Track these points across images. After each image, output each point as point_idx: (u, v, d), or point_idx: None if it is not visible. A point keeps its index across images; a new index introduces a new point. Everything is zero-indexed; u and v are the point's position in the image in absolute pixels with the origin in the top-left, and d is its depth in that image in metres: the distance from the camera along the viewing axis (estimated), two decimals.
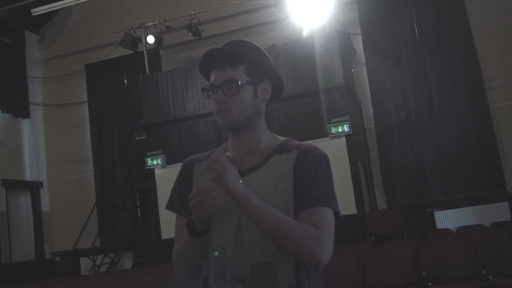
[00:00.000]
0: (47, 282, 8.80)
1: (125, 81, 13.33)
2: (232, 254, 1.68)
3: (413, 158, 10.82)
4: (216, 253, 1.72)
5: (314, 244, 1.60)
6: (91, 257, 11.84)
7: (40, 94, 14.00)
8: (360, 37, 11.58)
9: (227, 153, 1.85)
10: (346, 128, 9.63)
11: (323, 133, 9.74)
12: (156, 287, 6.81)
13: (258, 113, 1.84)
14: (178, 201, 1.89)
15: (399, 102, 11.07)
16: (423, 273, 5.51)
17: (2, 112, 12.58)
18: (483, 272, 5.26)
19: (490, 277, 5.13)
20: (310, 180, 1.69)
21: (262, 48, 1.88)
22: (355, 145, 9.99)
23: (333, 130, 9.68)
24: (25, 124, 13.40)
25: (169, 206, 1.95)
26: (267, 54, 1.89)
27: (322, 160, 1.75)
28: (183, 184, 1.90)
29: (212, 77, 1.80)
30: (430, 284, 5.34)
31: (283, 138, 1.87)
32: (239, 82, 1.76)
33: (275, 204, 1.66)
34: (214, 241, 1.72)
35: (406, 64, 11.14)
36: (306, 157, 1.73)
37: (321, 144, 10.24)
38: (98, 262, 11.72)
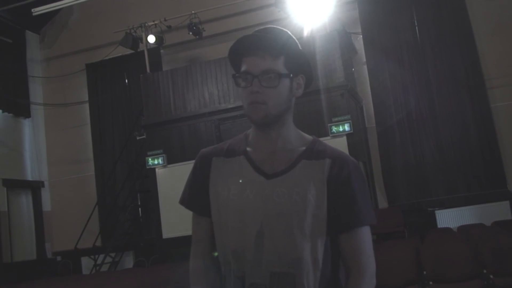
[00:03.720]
0: (48, 282, 8.80)
1: (126, 81, 13.33)
2: (251, 260, 1.61)
3: (414, 157, 10.82)
4: (235, 256, 1.64)
5: (371, 285, 1.61)
6: (92, 256, 11.84)
7: (41, 94, 14.01)
8: (361, 36, 11.58)
9: (248, 149, 1.73)
10: (347, 127, 9.63)
11: (324, 132, 9.73)
12: (157, 287, 6.81)
13: (290, 109, 1.74)
14: (192, 197, 1.78)
15: (400, 101, 11.07)
16: (424, 272, 5.51)
17: (3, 112, 12.59)
18: (484, 271, 5.26)
19: (491, 276, 5.13)
20: (350, 198, 1.61)
21: (296, 39, 1.74)
22: (356, 144, 9.98)
23: (334, 129, 9.68)
24: (26, 123, 13.41)
25: (184, 202, 1.81)
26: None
27: (358, 173, 1.67)
28: (199, 179, 1.77)
29: (247, 65, 1.65)
30: (431, 283, 5.35)
31: (310, 138, 1.77)
32: (280, 74, 1.64)
33: (301, 216, 1.59)
34: (234, 244, 1.64)
35: (406, 63, 11.14)
36: (343, 171, 1.63)
37: None
38: (99, 261, 11.72)
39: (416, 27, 11.18)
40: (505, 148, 10.41)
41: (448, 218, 10.05)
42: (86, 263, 12.19)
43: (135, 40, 11.99)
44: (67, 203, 13.22)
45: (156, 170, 10.79)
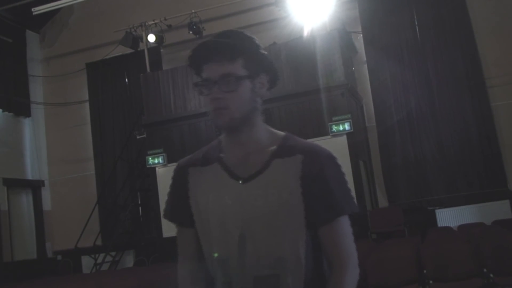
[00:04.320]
0: (49, 281, 8.80)
1: (126, 80, 13.33)
2: (236, 266, 1.60)
3: (414, 156, 10.83)
4: (220, 264, 1.64)
5: (355, 276, 1.61)
6: (92, 255, 11.85)
7: (41, 93, 14.01)
8: (361, 35, 11.58)
9: (222, 155, 1.72)
10: (347, 126, 9.63)
11: (324, 131, 9.74)
12: (158, 286, 6.82)
13: (256, 109, 1.70)
14: (174, 210, 1.80)
15: (400, 100, 11.07)
16: (424, 271, 5.52)
17: (3, 111, 12.60)
18: (484, 270, 5.26)
19: (491, 275, 5.13)
20: (326, 191, 1.60)
21: (256, 39, 1.72)
22: (356, 143, 9.99)
23: (334, 128, 9.69)
24: (26, 123, 13.41)
25: (166, 215, 1.83)
26: (261, 45, 1.75)
27: (332, 163, 1.66)
28: (178, 191, 1.77)
29: (206, 72, 1.64)
30: (431, 282, 5.35)
31: (281, 134, 1.74)
32: (238, 77, 1.61)
33: (279, 216, 1.58)
34: (219, 252, 1.64)
35: (407, 62, 11.14)
36: (315, 165, 1.62)
37: (322, 143, 10.21)
38: (99, 260, 11.73)
39: (416, 26, 11.18)
40: (505, 147, 10.41)
41: (448, 217, 10.06)
42: (87, 262, 12.20)
43: (135, 39, 12.00)
44: (67, 202, 13.23)
45: (156, 169, 10.80)
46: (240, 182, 1.64)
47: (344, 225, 1.62)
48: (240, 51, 1.63)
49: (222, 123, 1.64)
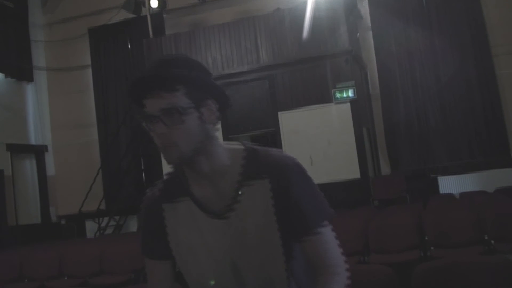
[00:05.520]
0: (53, 245, 8.90)
1: (129, 46, 13.24)
2: None
3: (418, 123, 10.81)
4: None
5: (343, 280, 1.57)
6: (96, 220, 11.96)
7: (44, 58, 13.95)
8: (366, 1, 11.45)
9: (191, 187, 1.64)
10: (350, 93, 9.61)
11: (327, 98, 9.71)
12: None
13: (208, 137, 1.55)
14: (151, 245, 1.72)
15: (405, 67, 11.01)
16: (426, 238, 5.54)
17: (6, 77, 12.56)
18: (486, 237, 5.29)
19: (492, 242, 5.16)
20: (298, 207, 1.56)
21: (197, 60, 1.58)
22: (360, 110, 9.96)
23: (338, 95, 9.66)
24: (29, 88, 13.39)
25: (145, 251, 1.74)
26: (205, 66, 1.61)
27: (298, 175, 1.59)
28: (153, 227, 1.71)
29: (148, 106, 1.50)
30: (432, 248, 5.38)
31: (241, 150, 1.63)
32: (181, 109, 1.47)
33: (259, 241, 1.57)
34: (214, 280, 1.62)
35: (412, 29, 11.02)
36: (282, 184, 1.56)
37: (326, 110, 10.23)
38: (103, 225, 11.85)
39: None
40: (509, 115, 10.37)
41: (451, 184, 10.08)
42: (91, 226, 12.33)
43: (138, 4, 11.88)
44: (71, 167, 13.29)
45: None
46: (217, 218, 1.60)
47: (324, 233, 1.59)
48: (180, 79, 1.48)
49: (172, 162, 1.53)
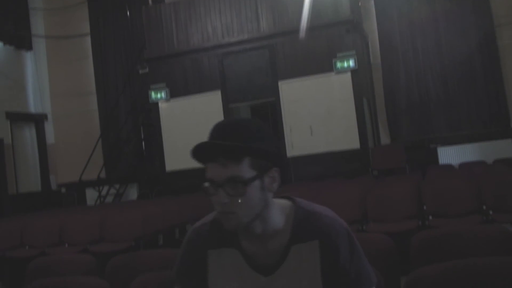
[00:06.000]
0: (54, 213, 8.96)
1: (128, 13, 13.11)
2: None
3: (418, 94, 10.78)
4: None
5: None
6: (96, 188, 12.01)
7: (43, 26, 13.83)
8: None
9: (240, 239, 1.63)
10: (351, 63, 9.55)
11: (328, 67, 9.66)
12: (161, 218, 6.94)
13: (267, 206, 1.56)
14: (190, 279, 1.68)
15: (406, 38, 10.93)
16: (424, 207, 5.57)
17: (4, 45, 12.48)
18: (484, 207, 5.31)
19: (491, 212, 5.18)
20: (345, 275, 1.57)
21: (263, 125, 1.57)
22: (360, 80, 9.91)
23: (339, 65, 9.60)
24: (28, 56, 13.31)
25: (179, 278, 1.71)
26: (271, 132, 1.59)
27: (348, 243, 1.59)
28: (192, 264, 1.68)
29: (210, 172, 1.51)
30: (430, 217, 5.41)
31: (291, 208, 1.64)
32: (245, 180, 1.48)
33: None
34: None
35: None
36: (331, 249, 1.57)
37: (326, 79, 10.16)
38: (103, 193, 11.91)
39: None
40: (510, 86, 10.34)
41: (450, 155, 10.10)
42: (91, 194, 12.38)
43: None
44: (70, 136, 13.29)
45: (159, 104, 10.78)
46: (262, 275, 1.60)
47: None
48: (246, 151, 1.49)
49: (229, 227, 1.54)
